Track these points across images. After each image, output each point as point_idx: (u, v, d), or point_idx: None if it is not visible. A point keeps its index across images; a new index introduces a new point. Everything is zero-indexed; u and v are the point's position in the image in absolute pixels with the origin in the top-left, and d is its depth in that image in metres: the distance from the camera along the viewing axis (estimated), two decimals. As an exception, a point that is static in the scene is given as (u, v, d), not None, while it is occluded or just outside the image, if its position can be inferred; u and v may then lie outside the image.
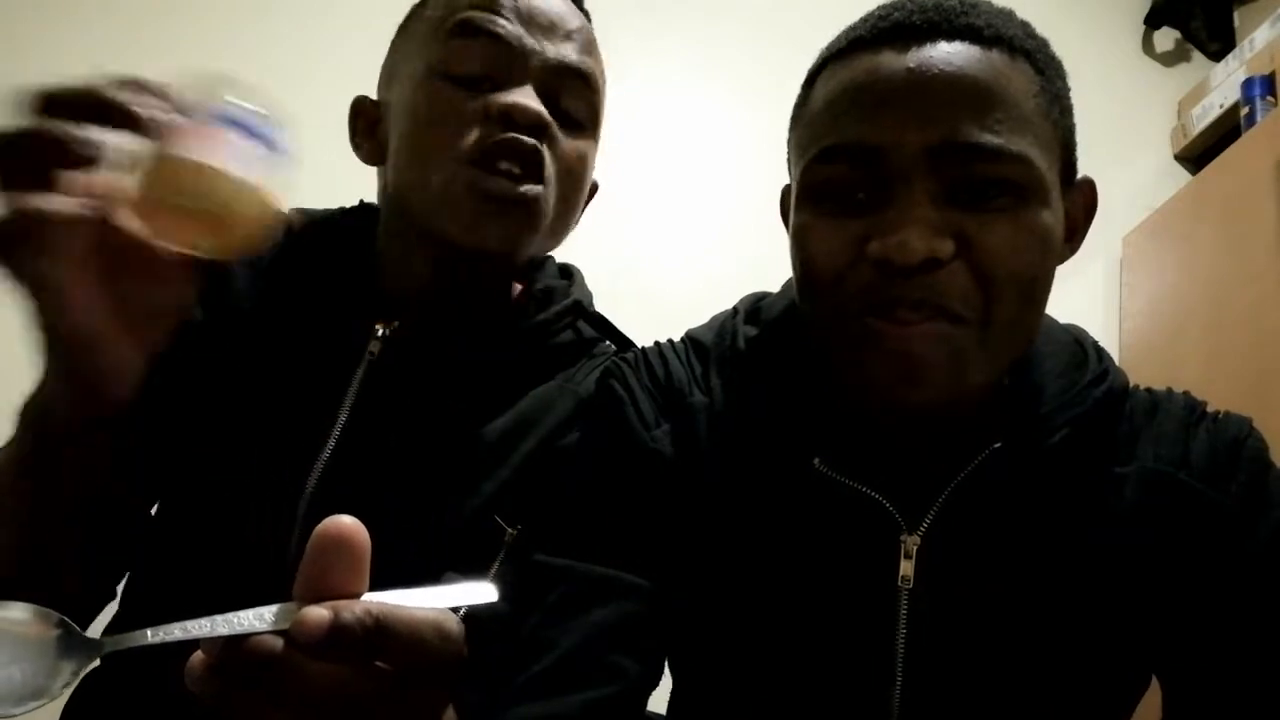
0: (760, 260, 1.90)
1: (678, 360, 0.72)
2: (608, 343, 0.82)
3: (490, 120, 0.67)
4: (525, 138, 0.67)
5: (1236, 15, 2.18)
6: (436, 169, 0.68)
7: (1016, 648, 0.60)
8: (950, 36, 0.56)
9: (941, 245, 0.54)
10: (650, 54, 1.92)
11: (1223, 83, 1.99)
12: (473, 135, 0.67)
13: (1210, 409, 0.68)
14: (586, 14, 0.77)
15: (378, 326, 0.72)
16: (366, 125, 0.78)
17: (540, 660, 0.60)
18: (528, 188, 0.68)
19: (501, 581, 0.66)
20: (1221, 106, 1.97)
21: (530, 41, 0.70)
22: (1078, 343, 0.68)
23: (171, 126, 0.46)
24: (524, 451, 0.71)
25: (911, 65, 0.55)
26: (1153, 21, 2.21)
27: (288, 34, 1.82)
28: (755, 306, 0.73)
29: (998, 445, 0.61)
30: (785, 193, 0.69)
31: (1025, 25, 0.62)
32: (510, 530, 0.67)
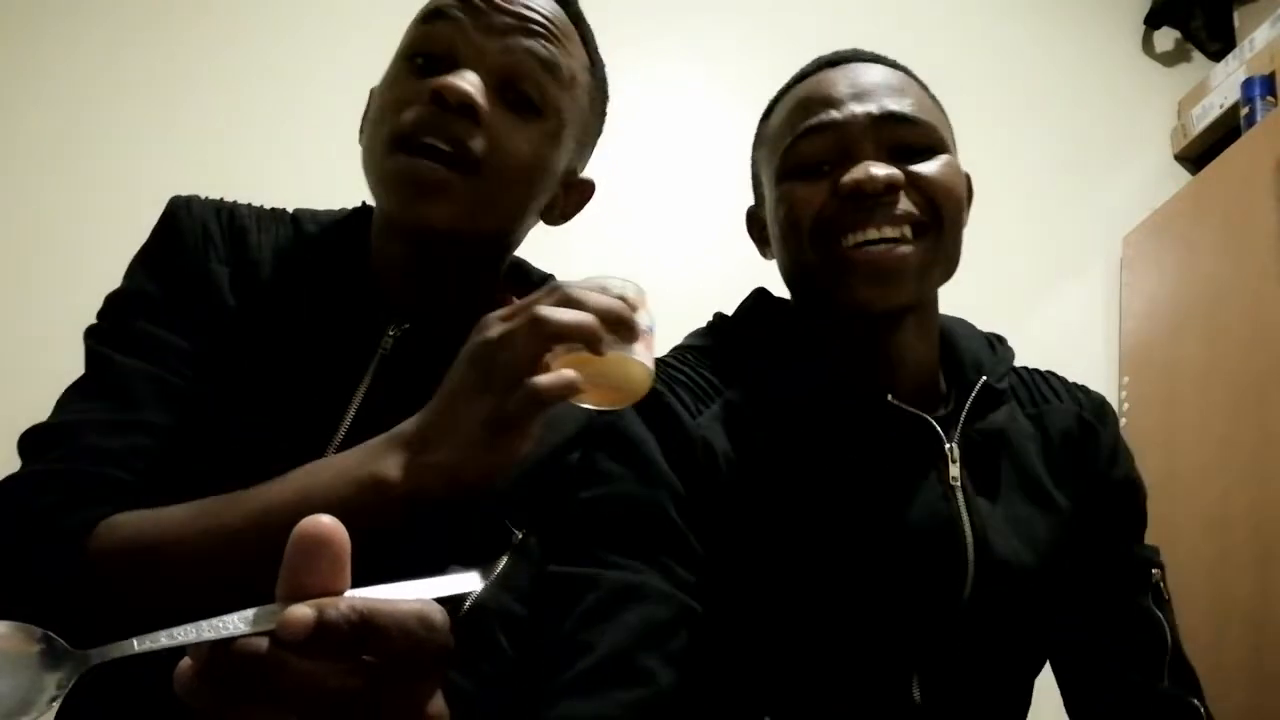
0: (759, 261, 1.91)
1: (702, 367, 0.82)
2: None
3: (424, 102, 0.70)
4: (452, 116, 0.70)
5: (1236, 15, 2.18)
6: (377, 150, 0.72)
7: (1024, 527, 0.80)
8: (868, 61, 0.83)
9: (897, 174, 0.75)
10: (650, 55, 1.92)
11: (1223, 83, 1.99)
12: (409, 116, 0.71)
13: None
14: (576, 16, 0.79)
15: (389, 328, 0.75)
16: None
17: (580, 662, 0.64)
18: (447, 169, 0.70)
19: (520, 582, 0.69)
20: (1221, 106, 1.97)
21: (482, 28, 0.72)
22: (983, 332, 0.92)
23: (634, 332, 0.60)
24: (531, 458, 0.69)
25: (848, 72, 0.81)
26: (1153, 21, 2.21)
27: (287, 34, 1.82)
28: (719, 319, 0.91)
29: (985, 379, 0.83)
30: (751, 214, 0.91)
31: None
32: (518, 534, 0.70)
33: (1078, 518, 0.83)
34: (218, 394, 0.71)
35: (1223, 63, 2.03)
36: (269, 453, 0.68)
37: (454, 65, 0.72)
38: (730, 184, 1.91)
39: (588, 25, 0.81)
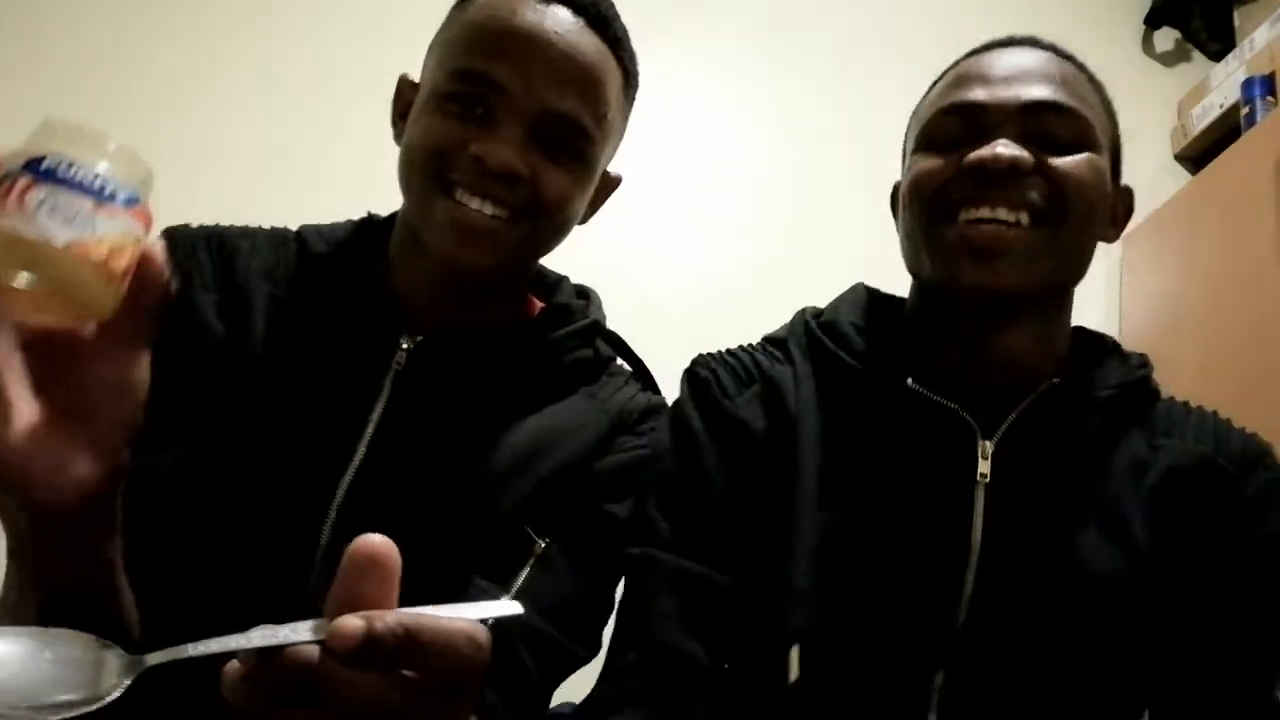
0: (759, 262, 1.91)
1: (757, 352, 0.86)
2: (619, 363, 0.86)
3: (464, 156, 0.71)
4: (490, 178, 0.71)
5: (1236, 15, 2.18)
6: (417, 190, 0.74)
7: (1069, 539, 0.74)
8: (1037, 48, 0.81)
9: (1025, 156, 0.72)
10: (651, 57, 1.92)
11: (1223, 83, 1.99)
12: (448, 165, 0.72)
13: (1245, 426, 0.83)
14: (614, 40, 0.78)
15: (402, 341, 0.75)
16: (403, 108, 0.80)
17: (629, 653, 0.71)
18: (490, 219, 0.72)
19: (542, 593, 0.70)
20: (1221, 106, 1.96)
21: (521, 79, 0.72)
22: (1127, 351, 0.85)
23: None
24: (552, 465, 0.74)
25: (1011, 55, 0.79)
26: (1153, 21, 2.21)
27: (286, 35, 1.82)
28: (817, 309, 0.89)
29: (1056, 380, 0.76)
30: (895, 188, 0.85)
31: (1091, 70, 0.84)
32: (540, 542, 0.71)
33: (1170, 567, 0.73)
34: (211, 427, 0.70)
35: (1223, 63, 2.03)
36: (282, 481, 0.69)
37: (490, 117, 0.72)
38: (732, 186, 1.92)
39: (625, 39, 0.80)
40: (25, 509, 0.48)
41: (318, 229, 0.83)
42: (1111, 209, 0.80)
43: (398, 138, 0.79)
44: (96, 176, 0.45)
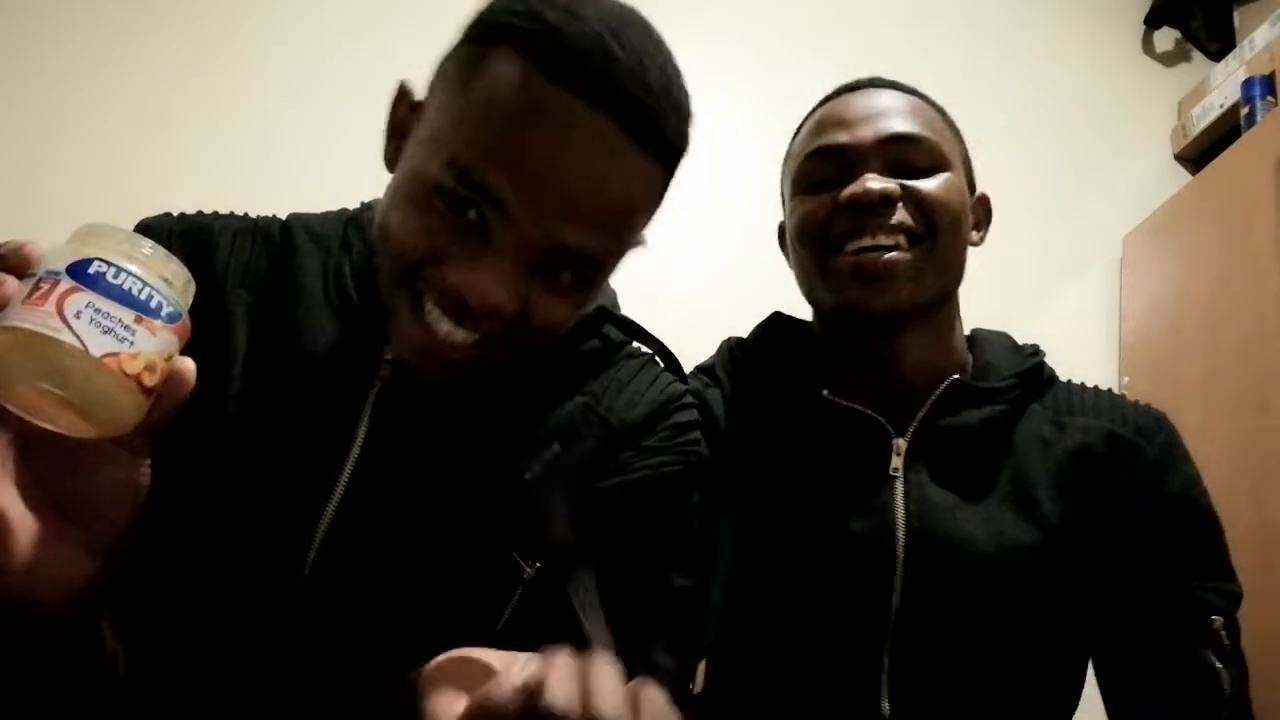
0: (760, 264, 1.91)
1: (692, 379, 0.90)
2: (635, 345, 0.78)
3: (443, 277, 0.59)
4: (474, 312, 0.59)
5: (1236, 15, 2.18)
6: (388, 279, 0.62)
7: (983, 514, 0.82)
8: (884, 88, 0.90)
9: (893, 188, 0.82)
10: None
11: (1223, 83, 1.99)
12: (421, 278, 0.60)
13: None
14: (667, 151, 0.63)
15: (386, 351, 0.67)
16: (398, 125, 0.67)
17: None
18: (462, 344, 0.60)
19: (534, 619, 0.65)
20: (1221, 106, 1.96)
21: (531, 213, 0.57)
22: (1019, 343, 0.95)
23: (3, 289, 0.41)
24: (546, 485, 0.67)
25: (863, 98, 0.89)
26: (1153, 21, 2.21)
27: (284, 37, 1.82)
28: (737, 340, 0.99)
29: (955, 377, 0.86)
30: (781, 229, 0.96)
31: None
32: (529, 568, 0.65)
33: (1081, 534, 0.81)
34: (186, 444, 0.60)
35: (1223, 63, 2.03)
36: (264, 506, 0.63)
37: (483, 232, 0.58)
38: (730, 188, 1.92)
39: (684, 144, 0.67)
40: (16, 611, 0.46)
41: (306, 223, 0.74)
42: (974, 215, 0.91)
43: (389, 158, 0.66)
44: (144, 288, 0.43)
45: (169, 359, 0.44)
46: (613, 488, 0.69)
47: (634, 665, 0.69)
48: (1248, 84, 1.86)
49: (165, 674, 0.62)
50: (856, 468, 0.84)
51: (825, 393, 0.86)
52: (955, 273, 0.87)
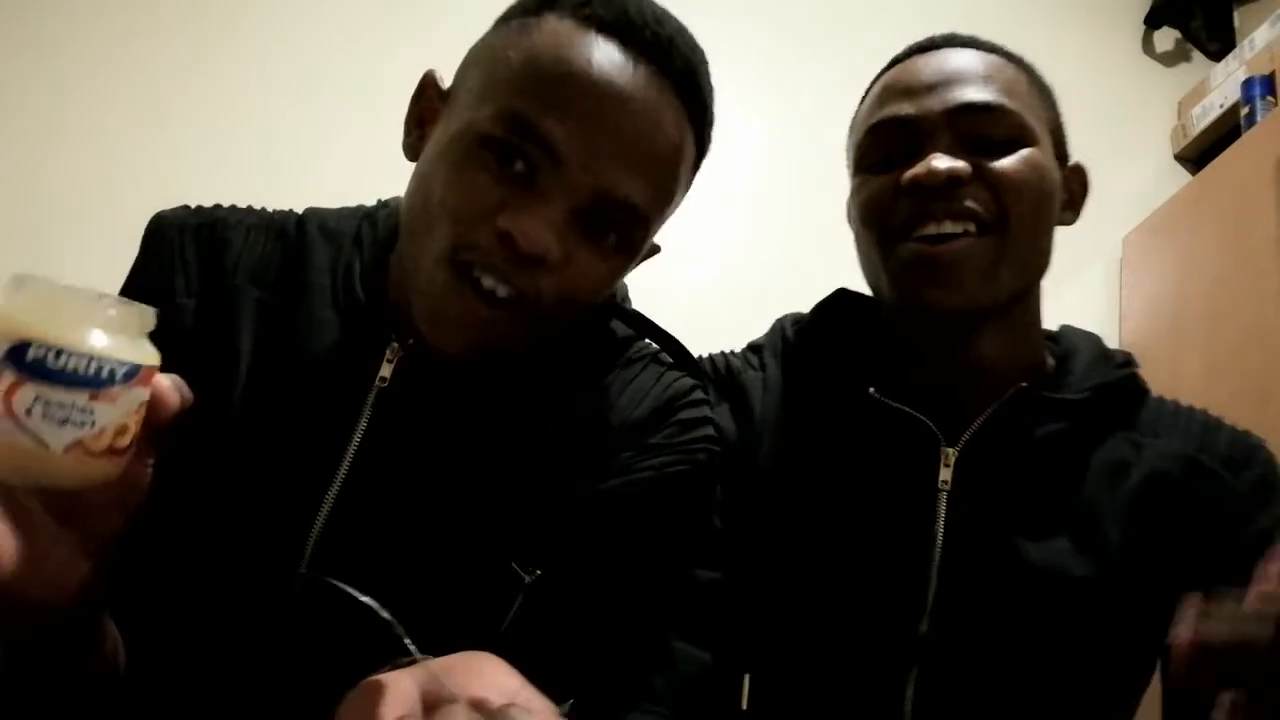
0: (758, 263, 1.91)
1: (736, 356, 0.88)
2: (646, 341, 0.77)
3: (491, 227, 0.59)
4: (518, 262, 0.59)
5: (1236, 15, 2.18)
6: (425, 250, 0.62)
7: (1034, 550, 0.72)
8: (959, 47, 0.78)
9: (961, 166, 0.71)
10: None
11: (1223, 83, 1.99)
12: (469, 238, 0.59)
13: (1252, 428, 0.80)
14: (701, 111, 0.66)
15: (393, 344, 0.66)
16: (424, 113, 0.68)
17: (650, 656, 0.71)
18: (499, 308, 0.60)
19: (537, 626, 0.64)
20: (1221, 106, 1.96)
21: (583, 158, 0.58)
22: (1110, 349, 0.83)
23: None
24: (547, 489, 0.66)
25: (931, 62, 0.77)
26: (1153, 21, 2.21)
27: (284, 37, 1.82)
28: (798, 316, 0.90)
29: (1024, 385, 0.75)
30: (849, 205, 0.84)
31: (1020, 55, 0.81)
32: (527, 576, 0.64)
33: (1144, 575, 0.71)
34: (191, 441, 0.59)
35: (1223, 63, 2.03)
36: (262, 501, 0.62)
37: (532, 179, 0.59)
38: (731, 186, 1.92)
39: (711, 107, 0.68)
40: (12, 612, 0.45)
41: (321, 219, 0.73)
42: (1065, 192, 0.79)
43: (410, 146, 0.67)
44: (90, 361, 0.39)
45: (141, 406, 0.42)
46: (615, 489, 0.67)
47: (650, 662, 0.70)
48: (1248, 84, 1.86)
49: (163, 669, 0.62)
50: (900, 476, 0.76)
51: (872, 390, 0.77)
52: (1036, 264, 0.76)
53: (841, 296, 0.89)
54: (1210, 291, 1.71)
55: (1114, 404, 0.77)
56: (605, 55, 0.60)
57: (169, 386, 0.45)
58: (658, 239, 0.73)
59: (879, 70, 0.83)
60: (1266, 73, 1.85)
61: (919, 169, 0.71)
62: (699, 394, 0.74)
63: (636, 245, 0.66)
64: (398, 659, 0.41)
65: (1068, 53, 2.22)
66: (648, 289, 1.75)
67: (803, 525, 0.76)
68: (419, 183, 0.64)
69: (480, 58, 0.65)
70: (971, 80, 0.74)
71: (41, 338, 0.38)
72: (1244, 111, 1.84)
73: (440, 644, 0.50)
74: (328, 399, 0.65)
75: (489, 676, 0.42)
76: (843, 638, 0.74)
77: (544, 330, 0.64)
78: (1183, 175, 2.08)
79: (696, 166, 0.70)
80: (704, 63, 0.68)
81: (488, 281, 0.59)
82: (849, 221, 0.82)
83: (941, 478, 0.74)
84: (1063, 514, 0.73)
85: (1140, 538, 0.72)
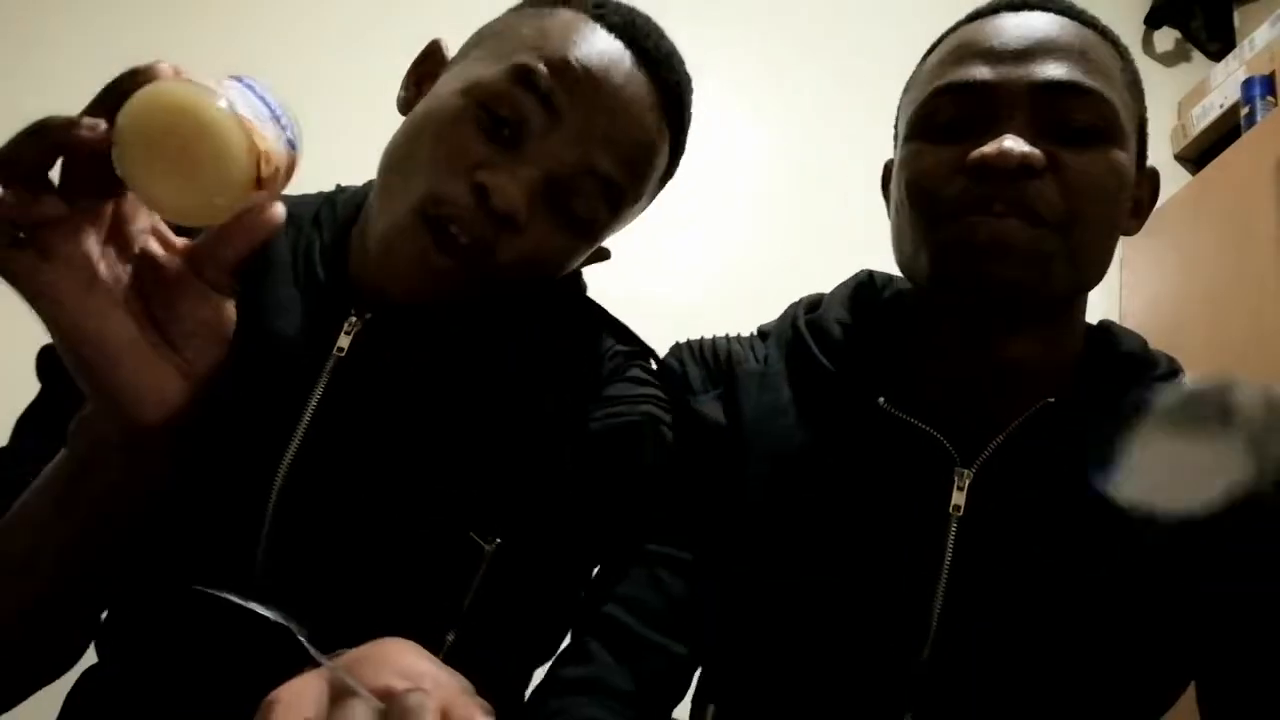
0: (758, 264, 1.91)
1: (738, 343, 0.81)
2: (612, 341, 0.77)
3: (467, 180, 0.62)
4: (486, 215, 0.61)
5: (1236, 15, 2.18)
6: (397, 194, 0.64)
7: (1050, 585, 0.65)
8: (1055, 12, 0.68)
9: (1036, 155, 0.62)
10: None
11: (1223, 83, 1.99)
12: (444, 189, 0.62)
13: None
14: (678, 124, 0.71)
15: (350, 318, 0.67)
16: (423, 75, 0.71)
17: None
18: (458, 263, 0.62)
19: (499, 595, 0.65)
20: (1221, 106, 1.96)
21: (576, 127, 0.63)
22: (1154, 351, 0.75)
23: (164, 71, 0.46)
24: (503, 455, 0.67)
25: (1019, 23, 0.67)
26: (1153, 21, 2.21)
27: (284, 37, 1.82)
28: (815, 300, 0.82)
29: (1051, 400, 0.67)
30: (887, 168, 0.77)
31: (1115, 33, 0.73)
32: (487, 546, 0.65)
33: (1179, 613, 0.65)
34: None
35: (1223, 63, 2.03)
36: (217, 475, 0.63)
37: (517, 144, 0.63)
38: (730, 185, 1.92)
39: (687, 124, 0.73)
40: (115, 421, 0.51)
41: (290, 201, 0.73)
42: (1134, 200, 0.70)
43: (405, 101, 0.71)
44: (283, 112, 0.50)
45: (278, 171, 0.49)
46: (565, 449, 0.69)
47: (587, 625, 0.69)
48: (1248, 84, 1.86)
49: (136, 656, 0.64)
50: (908, 498, 0.68)
51: (881, 400, 0.70)
52: (1096, 268, 0.67)
53: (862, 278, 0.81)
54: (1210, 291, 1.71)
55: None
56: (612, 48, 0.65)
57: (282, 211, 0.51)
58: (611, 245, 0.77)
59: (957, 21, 0.73)
60: (1266, 73, 1.85)
61: (989, 149, 0.62)
62: (647, 362, 0.78)
63: (597, 229, 0.69)
64: (309, 661, 0.41)
65: (1068, 53, 2.23)
66: (648, 289, 1.76)
67: (796, 543, 0.70)
68: (406, 131, 0.67)
69: (492, 31, 0.69)
70: (1064, 53, 0.64)
71: (255, 81, 0.50)
72: (1244, 111, 1.85)
73: (403, 617, 0.52)
74: (285, 371, 0.66)
75: (397, 662, 0.43)
76: (837, 666, 0.69)
77: (493, 291, 0.67)
78: (1183, 175, 2.08)
79: (663, 181, 0.75)
80: (691, 90, 0.73)
81: (453, 227, 0.62)
82: (886, 191, 0.74)
83: (954, 502, 0.67)
84: (1089, 546, 0.66)
85: (1176, 572, 0.65)
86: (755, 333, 0.83)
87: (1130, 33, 2.24)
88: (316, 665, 0.41)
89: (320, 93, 1.75)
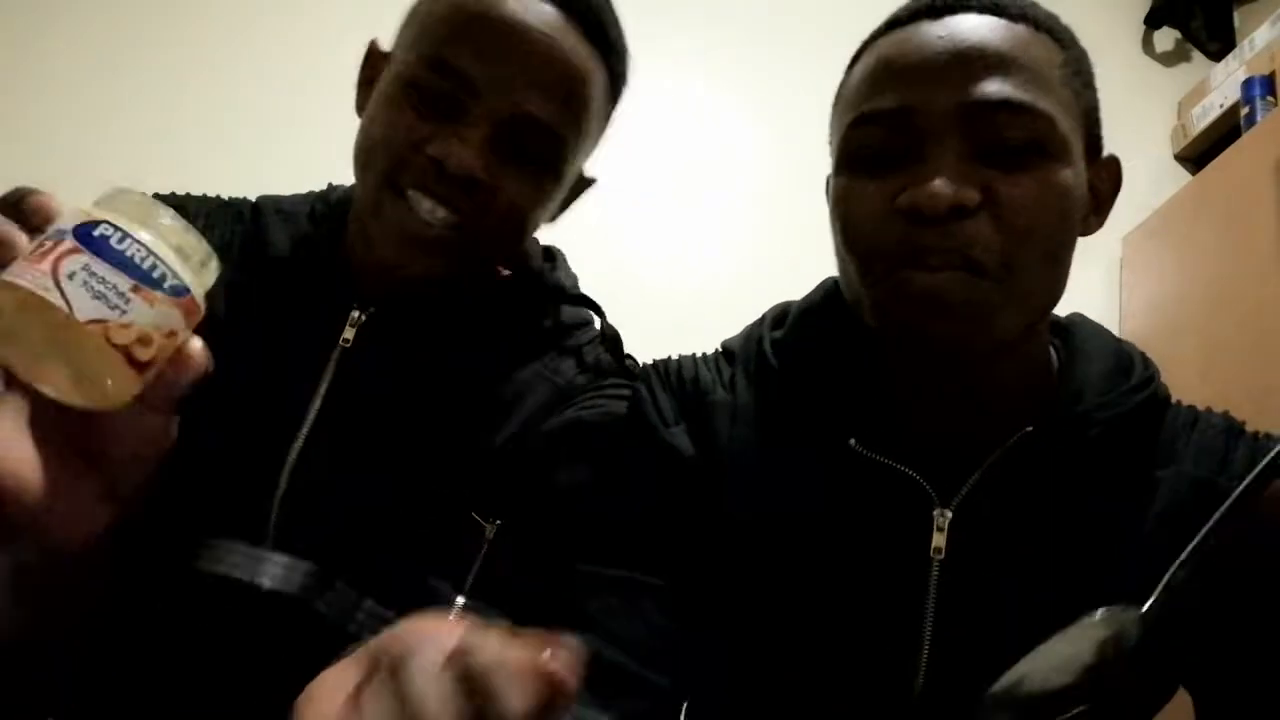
0: (759, 261, 1.91)
1: (705, 366, 0.75)
2: (595, 326, 0.81)
3: (423, 156, 0.66)
4: (448, 181, 0.66)
5: (1236, 15, 2.18)
6: (368, 184, 0.69)
7: (1039, 625, 0.60)
8: (978, 11, 0.62)
9: (967, 194, 0.57)
10: (648, 54, 1.92)
11: (1223, 83, 1.99)
12: (403, 163, 0.67)
13: (1250, 429, 0.70)
14: (604, 42, 0.72)
15: (354, 312, 0.71)
16: (369, 76, 0.75)
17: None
18: (441, 226, 0.67)
19: (499, 577, 0.67)
20: (1221, 106, 1.96)
21: (496, 84, 0.66)
22: (1127, 353, 0.71)
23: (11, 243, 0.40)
24: (499, 442, 0.71)
25: (942, 33, 0.61)
26: (1153, 21, 2.21)
27: (284, 37, 1.82)
28: (781, 312, 0.77)
29: (1029, 429, 0.63)
30: (828, 181, 0.72)
31: (1050, 12, 0.66)
32: (488, 525, 0.68)
33: (1168, 627, 0.60)
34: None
35: (1223, 63, 2.03)
36: (224, 466, 0.65)
37: (455, 113, 0.66)
38: (730, 183, 1.92)
39: (617, 41, 0.75)
40: (32, 550, 0.48)
41: (276, 202, 0.79)
42: (1092, 197, 0.67)
43: (359, 105, 0.75)
44: (148, 255, 0.41)
45: (170, 335, 0.42)
46: (542, 434, 0.71)
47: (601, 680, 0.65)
48: (1248, 84, 1.86)
49: (132, 636, 0.64)
50: (887, 543, 0.64)
51: (853, 442, 0.65)
52: (1048, 296, 0.63)
53: (830, 291, 0.74)
54: (1210, 292, 1.71)
55: (1130, 435, 0.65)
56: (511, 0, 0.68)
57: (200, 348, 0.45)
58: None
59: (877, 27, 0.68)
60: (1266, 73, 1.85)
61: (919, 194, 0.57)
62: (636, 370, 0.79)
63: (559, 166, 0.71)
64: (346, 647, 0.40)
65: (1068, 53, 2.23)
66: (649, 289, 1.76)
67: (777, 589, 0.66)
68: (362, 130, 0.71)
69: (411, 17, 0.73)
70: (992, 64, 0.59)
71: (114, 221, 0.41)
72: (1244, 111, 1.85)
73: (409, 597, 0.53)
74: (293, 361, 0.69)
75: (432, 630, 0.42)
76: (822, 710, 0.65)
77: (488, 253, 0.72)
78: (1183, 175, 2.08)
79: (614, 96, 0.77)
80: (612, 10, 0.75)
81: (425, 205, 0.66)
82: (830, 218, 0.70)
83: (934, 544, 0.63)
84: (1076, 579, 0.62)
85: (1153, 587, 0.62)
86: (719, 350, 0.77)
87: (1130, 33, 2.24)
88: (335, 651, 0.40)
89: (320, 92, 1.76)
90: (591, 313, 0.82)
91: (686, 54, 1.96)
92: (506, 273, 0.80)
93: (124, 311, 0.40)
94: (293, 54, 1.80)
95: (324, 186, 0.83)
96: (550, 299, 0.79)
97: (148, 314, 0.41)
